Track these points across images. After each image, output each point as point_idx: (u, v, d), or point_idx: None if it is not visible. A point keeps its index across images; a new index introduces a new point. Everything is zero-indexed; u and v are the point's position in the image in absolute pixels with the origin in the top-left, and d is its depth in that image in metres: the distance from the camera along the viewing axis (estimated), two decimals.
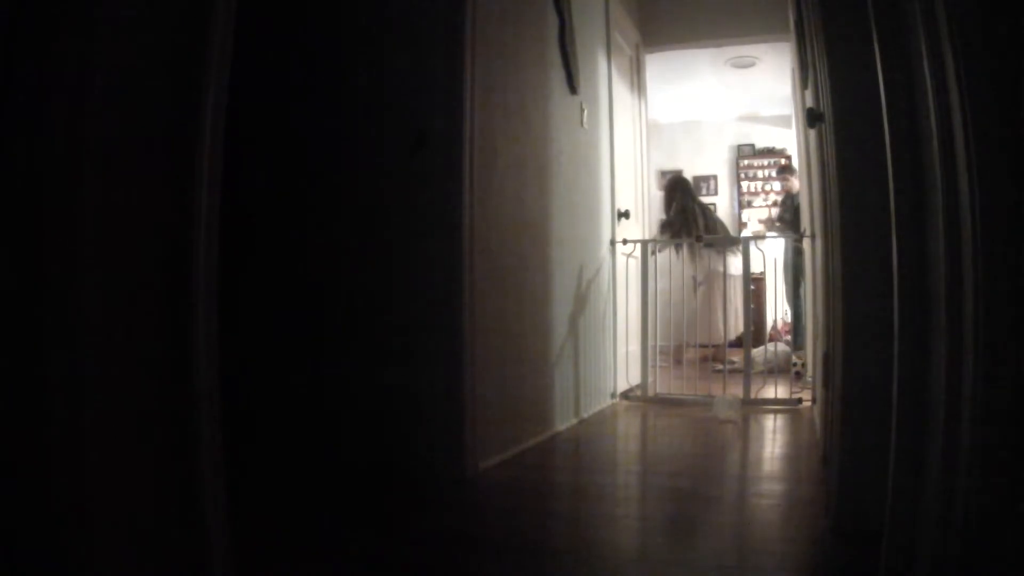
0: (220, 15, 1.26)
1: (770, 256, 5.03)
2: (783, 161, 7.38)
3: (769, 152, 8.64)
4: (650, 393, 4.41)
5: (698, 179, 8.88)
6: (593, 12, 4.23)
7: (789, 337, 5.96)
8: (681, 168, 8.74)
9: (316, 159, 2.80)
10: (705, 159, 8.87)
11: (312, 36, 2.83)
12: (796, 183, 6.18)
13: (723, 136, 8.90)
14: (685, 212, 5.76)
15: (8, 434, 1.04)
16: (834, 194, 1.83)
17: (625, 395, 4.44)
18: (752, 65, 6.80)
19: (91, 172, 1.10)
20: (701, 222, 5.74)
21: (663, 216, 5.96)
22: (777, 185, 8.61)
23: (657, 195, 8.42)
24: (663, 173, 8.34)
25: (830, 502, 1.87)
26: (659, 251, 4.98)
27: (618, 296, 4.42)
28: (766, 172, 8.69)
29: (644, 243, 4.57)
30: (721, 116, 8.80)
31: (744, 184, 8.78)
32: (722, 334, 5.36)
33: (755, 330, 5.16)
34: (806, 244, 4.20)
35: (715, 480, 2.66)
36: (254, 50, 2.73)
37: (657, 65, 5.77)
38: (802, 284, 5.59)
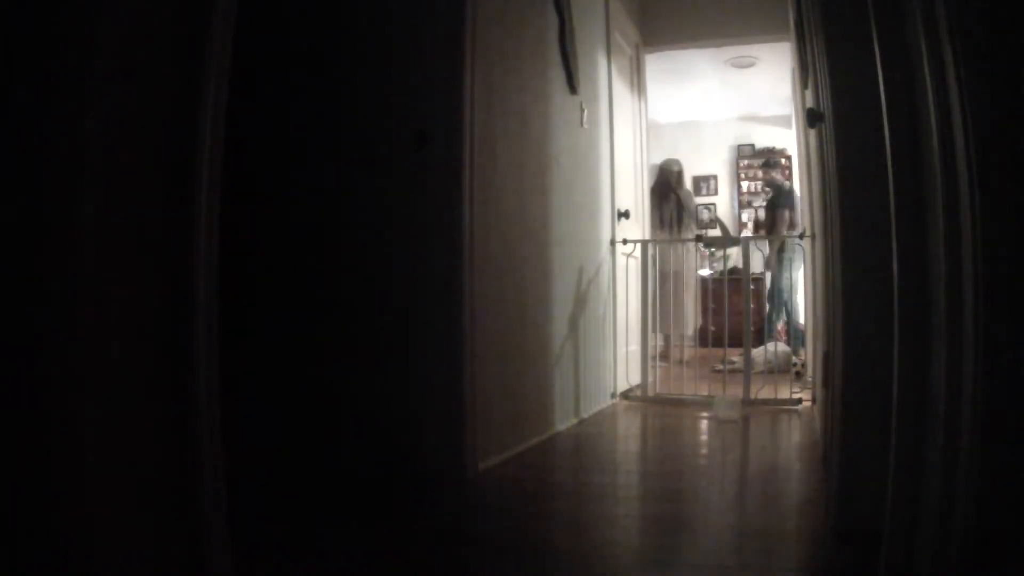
0: (220, 16, 1.26)
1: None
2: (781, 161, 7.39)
3: (769, 152, 8.65)
4: (650, 393, 4.40)
5: (698, 179, 8.87)
6: (593, 12, 4.23)
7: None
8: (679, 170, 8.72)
9: (317, 159, 2.80)
10: (705, 159, 8.87)
11: (312, 36, 2.83)
12: (779, 177, 6.25)
13: (723, 136, 8.90)
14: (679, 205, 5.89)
15: (8, 434, 1.04)
16: (834, 194, 1.83)
17: (625, 395, 4.44)
18: (752, 65, 6.80)
19: (91, 172, 1.10)
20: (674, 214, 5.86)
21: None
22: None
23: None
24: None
25: (830, 502, 1.87)
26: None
27: (618, 296, 4.42)
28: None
29: (644, 243, 4.57)
30: (721, 116, 8.79)
31: (744, 184, 8.78)
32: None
33: (754, 330, 5.16)
34: (806, 244, 4.19)
35: (715, 480, 2.65)
36: (254, 51, 2.73)
37: (657, 65, 5.76)
38: (785, 285, 5.63)
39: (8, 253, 1.06)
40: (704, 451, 3.18)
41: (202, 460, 1.22)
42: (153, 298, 1.20)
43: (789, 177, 7.01)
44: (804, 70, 2.72)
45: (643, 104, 5.35)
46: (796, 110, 4.60)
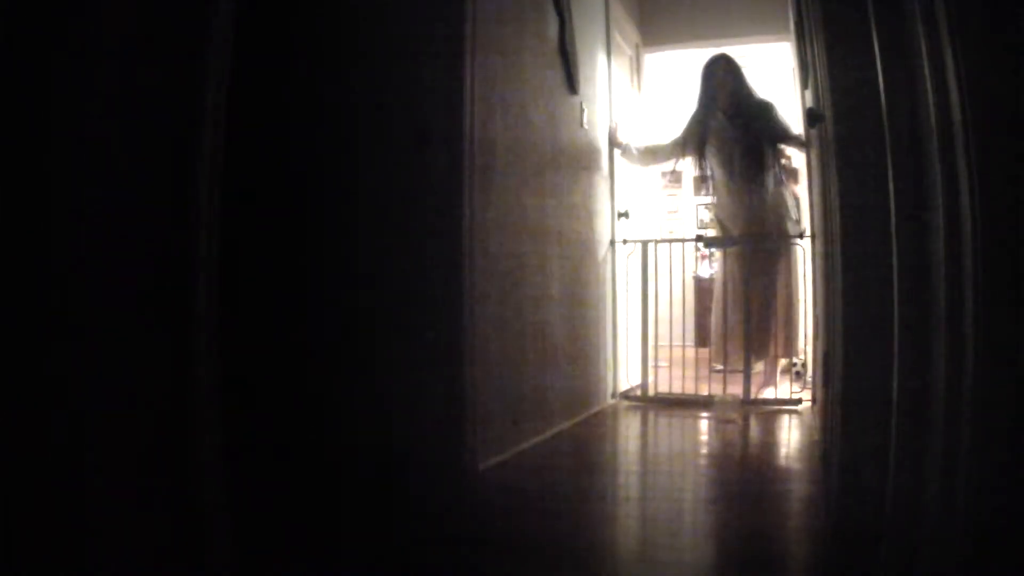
0: (220, 15, 1.26)
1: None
2: None
3: None
4: (650, 393, 4.40)
5: (698, 179, 8.84)
6: (593, 12, 4.23)
7: None
8: (679, 171, 8.69)
9: (316, 159, 2.80)
10: None
11: (311, 36, 2.83)
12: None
13: None
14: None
15: (8, 434, 1.04)
16: (834, 194, 1.83)
17: (625, 395, 4.44)
18: (752, 65, 6.80)
19: (92, 173, 1.10)
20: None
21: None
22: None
23: (659, 194, 8.39)
24: (663, 173, 8.32)
25: (830, 502, 1.87)
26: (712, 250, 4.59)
27: (618, 296, 4.41)
28: None
29: (644, 243, 4.57)
30: None
31: None
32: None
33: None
34: (806, 244, 4.19)
35: (715, 480, 2.65)
36: (254, 50, 2.73)
37: (657, 65, 5.76)
38: None
39: (10, 253, 1.06)
40: (704, 451, 3.18)
41: (203, 461, 1.22)
42: (154, 298, 1.20)
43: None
44: (804, 70, 2.72)
45: (643, 104, 5.35)
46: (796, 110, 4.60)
